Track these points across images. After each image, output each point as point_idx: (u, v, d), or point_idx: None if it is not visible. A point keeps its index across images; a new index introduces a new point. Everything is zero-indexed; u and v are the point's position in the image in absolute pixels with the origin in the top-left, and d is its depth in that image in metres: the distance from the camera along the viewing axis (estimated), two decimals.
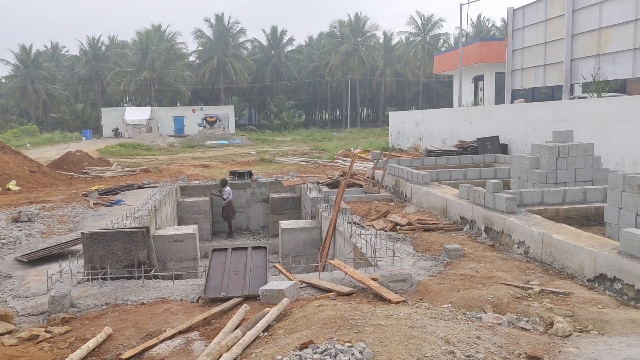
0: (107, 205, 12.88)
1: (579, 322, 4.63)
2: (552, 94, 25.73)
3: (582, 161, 10.00)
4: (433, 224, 9.24)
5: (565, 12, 21.25)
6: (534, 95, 27.10)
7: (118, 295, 6.06)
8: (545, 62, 23.07)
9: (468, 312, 4.90)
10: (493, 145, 17.20)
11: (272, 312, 4.83)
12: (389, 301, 5.39)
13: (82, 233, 6.85)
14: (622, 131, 12.50)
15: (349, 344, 3.73)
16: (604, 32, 19.52)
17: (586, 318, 4.67)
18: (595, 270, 5.66)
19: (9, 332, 5.15)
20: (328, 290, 5.85)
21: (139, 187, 16.09)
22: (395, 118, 31.40)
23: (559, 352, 3.93)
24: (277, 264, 7.00)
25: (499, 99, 29.70)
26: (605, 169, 10.23)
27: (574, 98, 20.61)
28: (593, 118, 13.44)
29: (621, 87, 22.70)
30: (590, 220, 8.35)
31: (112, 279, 6.53)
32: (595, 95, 17.84)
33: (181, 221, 15.59)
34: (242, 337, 4.33)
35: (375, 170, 14.89)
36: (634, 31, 18.06)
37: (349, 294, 5.73)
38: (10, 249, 8.69)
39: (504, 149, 17.32)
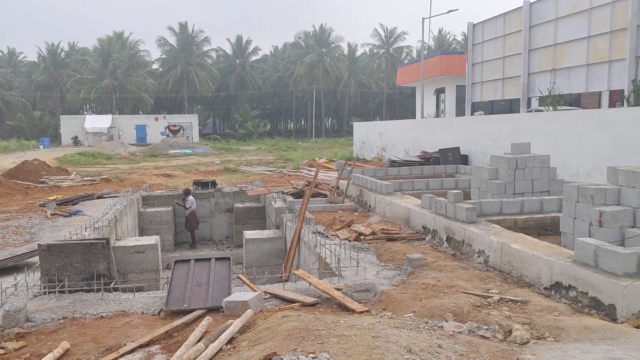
0: (66, 216, 12.53)
1: (536, 329, 4.77)
2: (510, 106, 26.54)
3: (539, 172, 10.33)
4: (396, 233, 9.36)
5: (522, 28, 22.03)
6: (493, 107, 27.89)
7: (76, 308, 5.89)
8: (503, 75, 23.80)
9: (430, 321, 4.98)
10: (454, 156, 17.58)
11: (236, 324, 4.79)
12: (353, 311, 5.42)
13: (39, 245, 6.64)
14: (576, 143, 13.00)
15: (313, 355, 3.74)
16: (559, 48, 20.31)
17: (543, 325, 4.81)
18: (551, 279, 5.85)
19: None
20: (292, 301, 5.84)
21: (99, 197, 15.71)
22: (360, 128, 31.73)
23: (517, 359, 4.03)
24: (241, 275, 6.95)
25: (460, 111, 30.43)
26: (561, 180, 10.61)
27: (531, 111, 21.32)
28: (549, 131, 13.93)
29: (576, 101, 23.61)
30: (547, 229, 8.62)
31: (70, 292, 6.34)
32: (551, 108, 18.50)
33: (143, 232, 15.27)
34: (205, 350, 4.28)
35: (340, 180, 15.00)
36: (587, 48, 18.87)
37: (313, 305, 5.74)
38: None
39: (464, 159, 17.74)
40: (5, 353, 4.83)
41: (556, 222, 8.21)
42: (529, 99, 22.82)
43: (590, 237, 6.65)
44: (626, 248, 5.59)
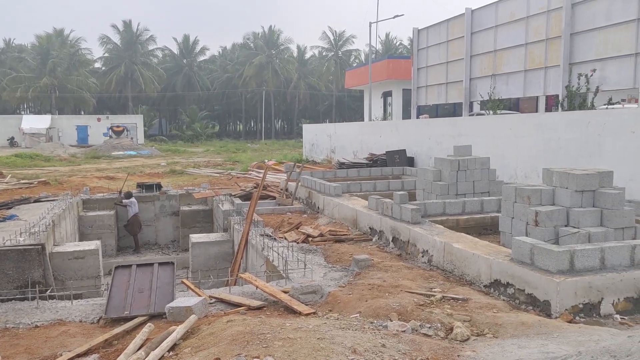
0: (0, 221, 11.88)
1: (476, 326, 4.92)
2: (454, 110, 27.36)
3: (480, 174, 10.69)
4: (344, 235, 9.44)
5: (464, 34, 22.75)
6: (437, 111, 28.66)
7: (9, 318, 5.59)
8: (447, 80, 24.50)
9: (375, 321, 5.04)
10: (401, 158, 17.93)
11: (178, 330, 4.68)
12: (300, 313, 5.42)
13: None
14: (514, 146, 13.55)
15: (257, 359, 3.71)
16: (498, 54, 21.11)
17: (482, 322, 4.97)
18: (490, 277, 6.06)
19: None
20: (238, 305, 5.77)
21: (36, 201, 14.98)
22: (309, 131, 31.84)
23: (458, 356, 4.14)
24: (185, 280, 6.80)
25: (406, 114, 31.09)
26: (500, 181, 11.02)
27: (472, 115, 22.05)
28: (489, 134, 14.45)
29: (514, 105, 24.63)
30: (487, 229, 8.92)
31: (2, 300, 6.01)
32: (491, 112, 19.20)
33: (83, 237, 14.70)
34: (145, 358, 4.16)
35: (289, 182, 14.97)
36: (524, 54, 19.70)
37: (259, 308, 5.69)
38: None
39: (410, 161, 18.12)
40: None
41: (496, 221, 8.51)
42: (471, 103, 23.60)
43: (527, 236, 6.94)
44: (560, 246, 5.86)
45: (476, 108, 24.21)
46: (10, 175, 22.20)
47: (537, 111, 22.81)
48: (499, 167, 12.54)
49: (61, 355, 4.63)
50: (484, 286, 6.14)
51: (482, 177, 10.66)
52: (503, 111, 19.76)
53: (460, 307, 5.42)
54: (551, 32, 18.43)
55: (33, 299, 6.06)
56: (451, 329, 4.77)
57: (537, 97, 22.19)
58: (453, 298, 5.65)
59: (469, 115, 21.80)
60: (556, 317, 5.13)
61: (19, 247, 6.46)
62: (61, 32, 68.47)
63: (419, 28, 26.71)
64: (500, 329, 4.80)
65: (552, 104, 21.17)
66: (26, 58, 64.25)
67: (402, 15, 30.18)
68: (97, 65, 71.78)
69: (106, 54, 69.43)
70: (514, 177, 13.28)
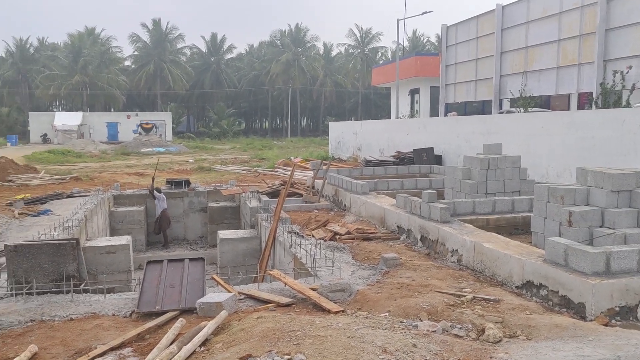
0: (34, 216, 12.21)
1: (509, 328, 4.84)
2: (482, 108, 26.95)
3: (511, 172, 10.51)
4: (371, 233, 9.40)
5: (494, 30, 22.36)
6: (466, 108, 28.28)
7: (45, 311, 5.74)
8: (476, 77, 24.12)
9: (405, 321, 5.01)
10: (428, 156, 17.76)
11: (209, 326, 4.73)
12: (329, 311, 5.41)
13: (5, 245, 6.45)
14: (546, 145, 13.27)
15: (288, 356, 3.72)
16: (530, 51, 20.68)
17: (515, 324, 4.89)
18: (523, 278, 5.95)
19: None
20: (267, 302, 5.80)
21: (69, 196, 15.35)
22: (335, 128, 31.79)
23: (490, 357, 4.08)
24: (215, 276, 6.87)
25: (434, 112, 30.76)
26: (532, 180, 10.82)
27: (502, 112, 21.69)
28: (520, 132, 14.19)
29: (545, 102, 24.13)
30: (518, 229, 8.77)
31: (38, 293, 6.17)
32: (522, 110, 18.84)
33: (114, 232, 14.99)
34: (178, 352, 4.21)
35: (315, 180, 14.99)
36: (557, 51, 19.26)
37: (288, 305, 5.71)
38: None
39: (438, 159, 17.93)
40: None
41: (527, 221, 8.36)
42: (501, 101, 23.19)
43: (560, 236, 6.79)
44: (595, 247, 5.72)
45: (506, 105, 23.81)
46: (43, 171, 22.78)
47: (569, 109, 22.29)
48: (530, 166, 12.30)
49: (95, 348, 4.73)
50: (516, 287, 6.04)
51: (512, 176, 10.48)
52: (534, 109, 19.38)
53: (492, 308, 5.34)
54: (585, 28, 17.96)
55: (68, 292, 6.20)
56: (483, 330, 4.71)
57: (570, 94, 21.68)
58: (484, 299, 5.57)
59: (499, 113, 21.45)
60: (591, 320, 5.01)
61: (55, 242, 6.61)
62: (92, 30, 69.91)
63: (448, 24, 26.36)
64: (533, 331, 4.72)
65: (585, 101, 20.64)
66: (59, 56, 65.82)
67: (431, 11, 29.85)
68: (127, 63, 73.09)
69: (136, 52, 70.63)
70: (545, 177, 13.01)
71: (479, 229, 7.76)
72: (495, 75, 22.51)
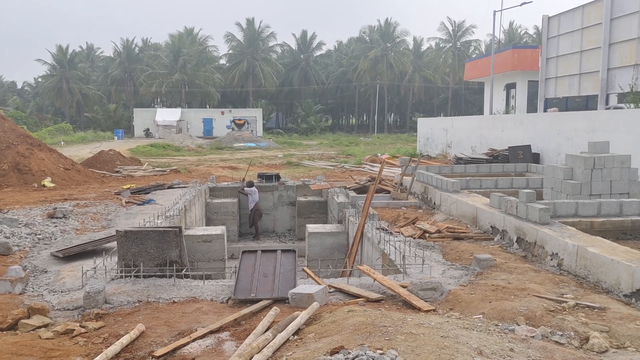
0: (139, 204, 13.12)
1: (616, 338, 4.51)
2: (586, 103, 25.22)
3: (619, 173, 9.76)
4: (463, 232, 9.14)
5: (602, 20, 20.83)
6: (567, 104, 26.60)
7: (150, 293, 6.16)
8: (580, 71, 22.64)
9: (500, 324, 4.83)
10: (525, 155, 16.93)
11: (302, 316, 4.84)
12: (419, 309, 5.35)
13: (117, 231, 6.99)
14: None
15: (380, 351, 3.72)
16: None
17: (623, 334, 4.55)
18: (632, 286, 5.51)
19: (45, 326, 5.29)
20: (357, 296, 5.83)
21: (169, 187, 16.34)
22: (424, 124, 31.21)
23: None
24: (306, 268, 7.02)
25: (531, 108, 29.26)
26: None
27: (609, 108, 20.16)
28: (630, 129, 13.12)
29: None
30: (626, 234, 8.14)
31: (144, 276, 6.64)
32: (632, 105, 17.41)
33: (209, 222, 15.77)
34: (273, 339, 4.36)
35: (404, 177, 14.80)
36: None
37: (377, 301, 5.71)
38: (45, 244, 8.92)
39: (535, 158, 17.04)
40: (87, 332, 5.13)
41: (637, 226, 7.75)
42: (608, 96, 21.59)
43: None
44: None
45: (613, 101, 22.12)
46: (146, 163, 24.44)
47: None
48: None
49: (196, 330, 5.01)
50: (624, 295, 5.61)
51: (621, 176, 9.73)
52: None
53: (597, 316, 5.00)
54: None
55: (170, 276, 6.62)
56: (587, 339, 4.43)
57: None
58: (588, 306, 5.23)
59: (606, 109, 19.95)
60: None
61: (160, 229, 7.07)
62: (191, 30, 73.69)
63: (549, 15, 24.93)
64: None
65: None
66: (160, 56, 69.95)
67: (531, 1, 28.34)
68: (222, 61, 76.23)
69: (230, 51, 73.47)
70: None
71: (582, 232, 7.28)
72: (602, 68, 21.00)
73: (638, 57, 19.24)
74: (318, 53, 79.46)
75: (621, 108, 18.13)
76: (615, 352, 4.27)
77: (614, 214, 8.53)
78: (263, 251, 6.95)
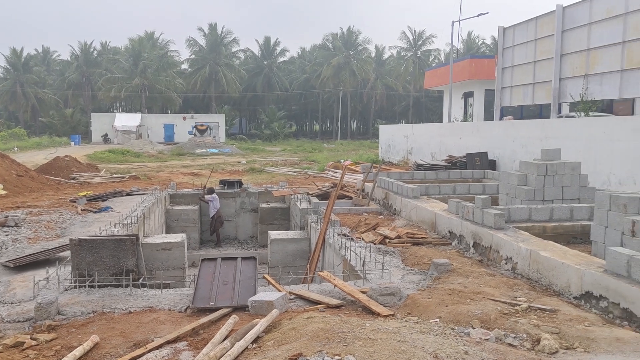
0: (95, 212, 12.79)
1: (566, 339, 4.68)
2: (540, 112, 26.11)
3: (570, 179, 10.13)
4: (422, 237, 9.30)
5: (554, 32, 21.65)
6: (522, 112, 27.47)
7: (105, 303, 6.01)
8: (534, 80, 23.42)
9: (456, 327, 4.93)
10: (482, 161, 17.37)
11: (261, 324, 4.82)
12: (378, 315, 5.41)
13: (70, 239, 6.80)
14: (608, 151, 12.71)
15: (339, 357, 3.74)
16: (592, 53, 19.90)
17: (572, 335, 4.72)
18: (581, 288, 5.73)
19: None
20: (317, 302, 5.85)
21: (128, 194, 15.99)
22: (386, 131, 31.61)
23: None
24: (266, 275, 6.99)
25: (488, 116, 30.06)
26: (592, 188, 10.38)
27: (561, 117, 20.93)
28: (581, 137, 13.65)
29: (608, 107, 23.09)
30: (576, 238, 8.45)
31: (99, 286, 6.47)
32: (582, 114, 18.13)
33: (169, 229, 15.50)
34: (231, 348, 4.32)
35: (365, 183, 14.95)
36: (621, 53, 18.44)
37: (337, 307, 5.74)
38: None
39: (492, 164, 17.51)
40: (38, 344, 4.96)
41: (586, 230, 8.04)
42: (560, 105, 22.41)
43: (622, 246, 6.50)
44: None
45: (565, 110, 22.98)
46: (104, 169, 23.85)
47: (633, 114, 21.25)
48: (590, 173, 11.82)
49: (153, 340, 4.92)
50: (574, 298, 5.82)
51: (572, 182, 10.11)
52: (596, 113, 18.60)
53: (548, 318, 5.17)
54: None
55: (127, 286, 6.47)
56: (538, 341, 4.57)
57: (634, 99, 20.67)
58: (540, 308, 5.41)
59: (558, 117, 20.71)
60: None
61: (116, 237, 6.91)
62: (152, 34, 72.56)
63: (505, 26, 25.73)
64: (592, 344, 4.54)
65: None
66: (120, 60, 68.56)
67: (487, 13, 29.22)
68: (184, 66, 75.31)
69: (192, 56, 72.70)
70: (606, 184, 12.47)
71: (535, 237, 7.52)
72: (554, 78, 21.79)
73: (587, 68, 20.07)
74: (281, 59, 79.59)
75: (572, 117, 18.85)
76: (565, 352, 4.43)
77: (565, 219, 8.85)
78: (223, 259, 6.88)
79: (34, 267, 7.63)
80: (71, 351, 4.63)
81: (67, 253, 7.64)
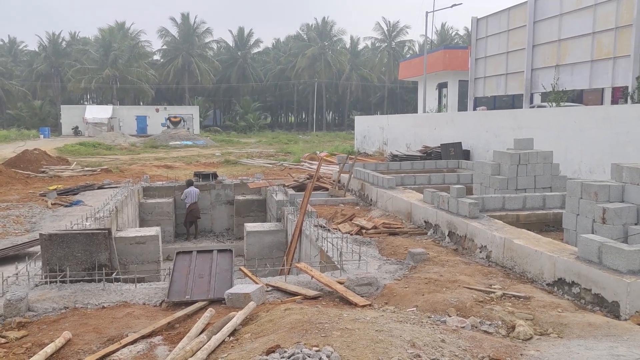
0: (66, 206, 12.51)
1: (540, 325, 4.75)
2: (512, 102, 26.49)
3: (542, 168, 10.30)
4: (398, 228, 9.35)
5: (526, 23, 21.93)
6: (495, 103, 27.82)
7: (78, 298, 5.87)
8: (507, 71, 23.72)
9: (433, 316, 4.97)
10: (456, 151, 17.54)
11: (238, 316, 4.77)
12: (355, 305, 5.41)
13: (40, 234, 6.62)
14: (579, 140, 12.97)
15: (317, 348, 3.72)
16: (563, 44, 20.23)
17: (546, 321, 4.80)
18: (554, 275, 5.83)
19: None
20: (294, 294, 5.83)
21: (100, 188, 15.69)
22: (361, 122, 31.67)
23: (521, 355, 4.02)
24: (242, 267, 6.93)
25: (462, 106, 30.37)
26: (564, 176, 10.58)
27: (533, 107, 21.27)
28: (552, 127, 13.89)
29: (578, 97, 23.57)
30: (549, 225, 8.60)
31: (71, 281, 6.32)
32: (553, 104, 18.45)
33: (143, 223, 15.26)
34: (208, 341, 4.26)
35: (341, 174, 14.96)
36: (591, 44, 18.79)
37: (315, 298, 5.72)
38: None
39: (466, 154, 17.70)
40: (7, 342, 4.82)
41: (558, 218, 8.19)
42: (532, 95, 22.76)
43: (593, 233, 6.63)
44: (630, 245, 5.57)
45: (537, 100, 23.35)
46: (75, 162, 23.31)
47: (602, 104, 21.74)
48: (561, 162, 12.03)
49: (127, 335, 4.82)
50: (547, 284, 5.93)
51: (544, 171, 10.27)
52: (566, 103, 18.95)
53: (522, 305, 5.25)
54: (621, 21, 17.47)
55: (100, 281, 6.34)
56: (513, 327, 4.64)
57: (603, 89, 21.14)
58: (514, 295, 5.49)
59: (530, 107, 21.04)
60: (626, 319, 4.88)
61: (87, 231, 6.76)
62: (122, 25, 71.05)
63: (478, 17, 25.95)
64: (565, 329, 4.63)
65: (619, 96, 20.09)
66: (90, 50, 67.01)
67: (461, 4, 29.41)
68: (156, 57, 74.05)
69: (164, 47, 71.51)
70: (577, 172, 12.73)
71: (509, 225, 7.63)
72: (526, 68, 22.10)
73: (559, 59, 20.41)
74: (256, 50, 78.92)
75: (544, 107, 19.16)
76: (539, 338, 4.50)
77: (537, 207, 9.00)
78: (198, 252, 6.80)
79: (3, 263, 7.44)
80: (42, 348, 4.51)
81: (37, 248, 7.45)
